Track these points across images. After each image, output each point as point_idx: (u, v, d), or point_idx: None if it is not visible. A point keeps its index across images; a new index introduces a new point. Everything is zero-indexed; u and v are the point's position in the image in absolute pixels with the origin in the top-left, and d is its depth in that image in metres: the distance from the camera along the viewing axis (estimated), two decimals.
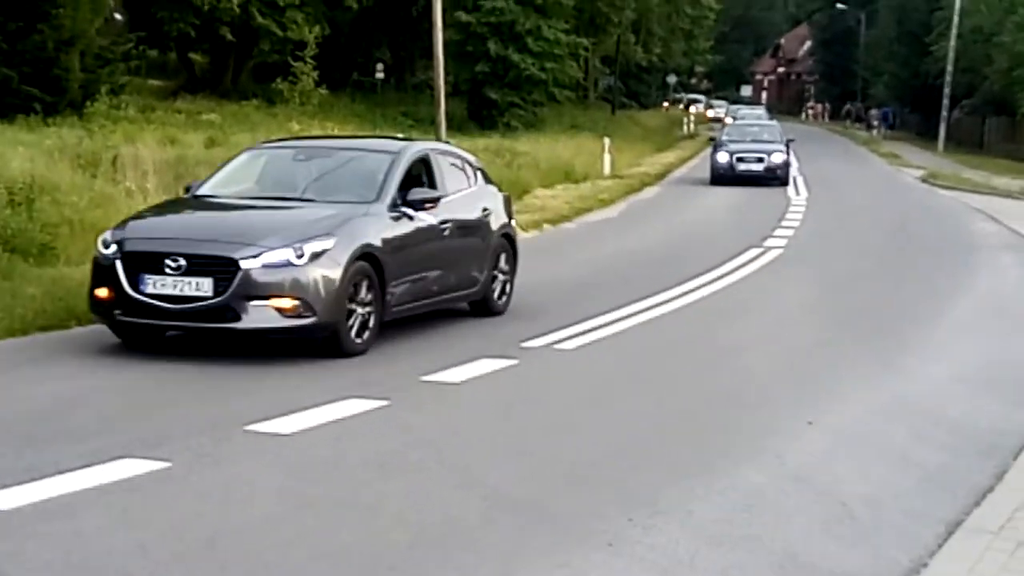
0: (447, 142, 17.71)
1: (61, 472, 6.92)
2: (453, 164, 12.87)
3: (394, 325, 11.25)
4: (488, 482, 7.15)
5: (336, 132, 25.81)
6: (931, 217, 26.51)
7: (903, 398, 9.77)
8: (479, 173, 13.31)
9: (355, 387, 9.23)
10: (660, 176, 36.35)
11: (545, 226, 22.30)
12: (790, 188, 32.65)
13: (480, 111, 45.70)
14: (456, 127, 37.87)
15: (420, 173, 11.97)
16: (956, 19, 57.14)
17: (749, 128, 38.19)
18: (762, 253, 18.81)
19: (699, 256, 18.13)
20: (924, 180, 37.58)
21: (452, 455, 7.68)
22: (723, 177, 33.37)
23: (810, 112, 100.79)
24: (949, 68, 57.98)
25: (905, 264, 18.54)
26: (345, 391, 9.05)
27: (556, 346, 11.26)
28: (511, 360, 10.49)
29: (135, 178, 18.17)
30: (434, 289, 11.81)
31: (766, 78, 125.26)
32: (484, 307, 12.82)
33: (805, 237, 21.43)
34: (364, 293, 10.53)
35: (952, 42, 57.30)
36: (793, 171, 35.65)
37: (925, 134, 66.56)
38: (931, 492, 7.30)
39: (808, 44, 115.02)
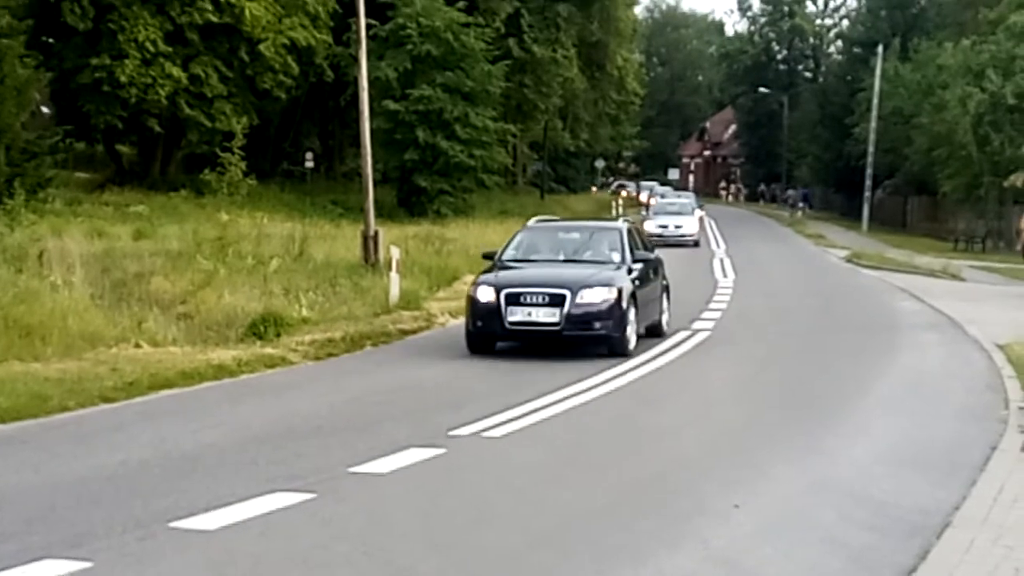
0: (376, 231, 19.47)
1: None
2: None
3: (333, 416, 11.18)
4: (415, 574, 7.10)
5: (265, 222, 25.81)
6: (856, 297, 26.86)
7: (829, 479, 9.86)
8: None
9: (281, 480, 9.17)
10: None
11: None
12: (717, 269, 33.00)
13: (410, 198, 45.93)
14: (386, 214, 38.05)
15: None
16: (876, 101, 58.41)
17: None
18: (690, 336, 18.94)
19: None
20: (849, 260, 38.13)
21: (378, 548, 7.63)
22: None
23: (723, 193, 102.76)
24: (871, 149, 59.14)
25: (830, 344, 18.75)
26: (271, 484, 8.99)
27: (484, 434, 11.26)
28: (439, 449, 10.47)
29: (61, 272, 18.02)
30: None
31: (692, 161, 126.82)
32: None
33: (732, 318, 21.62)
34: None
35: (873, 124, 58.51)
36: (720, 253, 36.33)
37: (849, 214, 67.63)
38: (857, 573, 7.36)
39: (733, 127, 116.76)
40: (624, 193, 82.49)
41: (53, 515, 8.28)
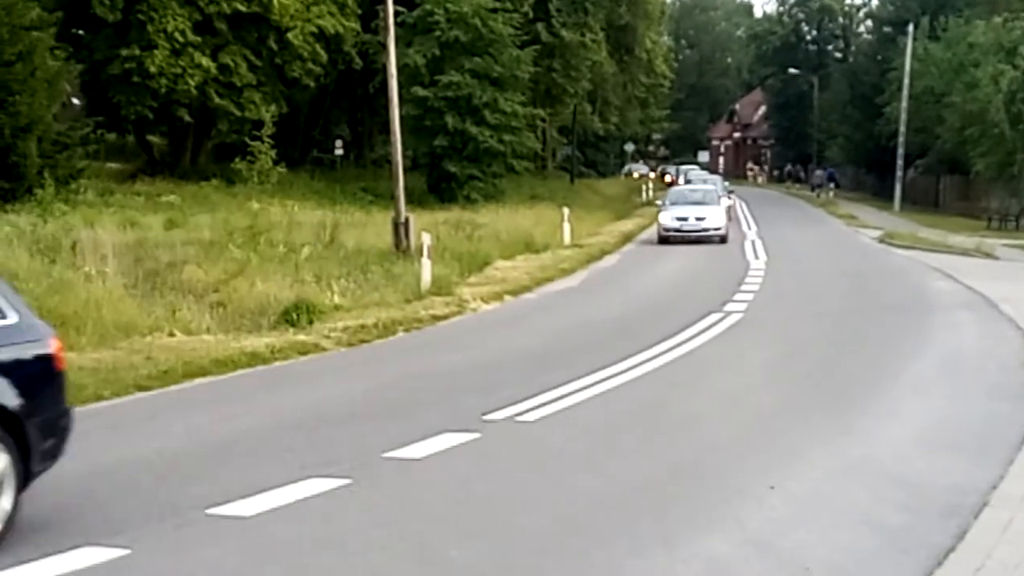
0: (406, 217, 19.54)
1: (21, 563, 6.86)
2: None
3: (366, 402, 11.22)
4: (448, 559, 7.13)
5: (296, 210, 25.89)
6: (889, 277, 26.72)
7: (864, 460, 9.82)
8: None
9: (317, 466, 9.21)
10: (620, 244, 36.54)
11: (506, 297, 22.35)
12: (749, 252, 32.90)
13: (439, 184, 45.91)
14: (416, 201, 38.03)
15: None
16: (907, 81, 57.98)
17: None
18: (722, 318, 18.89)
19: (660, 323, 18.19)
20: (881, 240, 37.91)
21: (412, 533, 7.66)
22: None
23: (749, 174, 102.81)
24: (902, 129, 58.71)
25: (863, 325, 18.67)
26: (307, 471, 9.03)
27: (518, 418, 11.27)
28: (473, 434, 10.49)
29: (94, 262, 18.12)
30: None
31: (722, 143, 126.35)
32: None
33: (765, 301, 21.55)
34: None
35: (904, 103, 58.08)
36: (752, 235, 36.22)
37: (880, 194, 67.21)
38: (893, 555, 7.33)
39: (763, 109, 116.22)
40: (652, 176, 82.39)
41: (90, 503, 8.35)
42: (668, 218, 37.02)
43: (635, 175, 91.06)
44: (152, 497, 8.48)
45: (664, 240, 36.38)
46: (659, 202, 42.65)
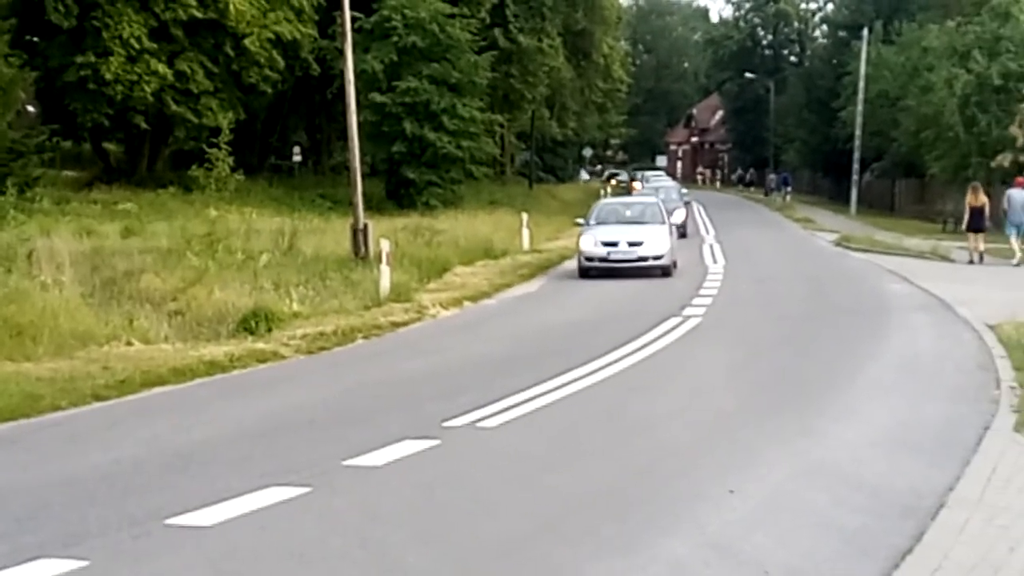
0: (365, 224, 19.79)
1: None
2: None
3: (326, 410, 11.20)
4: (409, 566, 7.12)
5: (254, 217, 25.80)
6: (846, 280, 26.89)
7: (822, 462, 9.88)
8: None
9: (276, 474, 9.17)
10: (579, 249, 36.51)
11: (466, 303, 22.35)
12: (707, 256, 33.03)
13: (398, 190, 45.89)
14: (375, 207, 38.01)
15: None
16: (862, 85, 58.42)
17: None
18: (681, 322, 18.96)
19: (619, 327, 18.24)
20: (838, 243, 38.17)
21: (373, 540, 7.64)
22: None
23: (699, 178, 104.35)
24: (857, 132, 59.16)
25: (821, 327, 18.78)
26: (266, 479, 9.00)
27: (478, 424, 11.26)
28: (433, 440, 10.48)
29: (51, 271, 18.00)
30: None
31: (680, 148, 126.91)
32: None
33: (723, 304, 21.65)
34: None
35: (859, 107, 58.54)
36: (710, 239, 36.12)
37: (837, 198, 67.65)
38: (852, 556, 7.37)
39: (720, 113, 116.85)
40: (613, 182, 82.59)
41: (47, 514, 8.28)
42: (591, 243, 27.79)
43: (579, 182, 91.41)
44: (110, 508, 8.41)
45: (585, 273, 27.54)
46: (579, 220, 30.79)
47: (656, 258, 27.37)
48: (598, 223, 28.84)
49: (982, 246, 31.23)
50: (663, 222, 28.93)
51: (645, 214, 29.63)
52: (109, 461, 9.90)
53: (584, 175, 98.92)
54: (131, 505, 8.45)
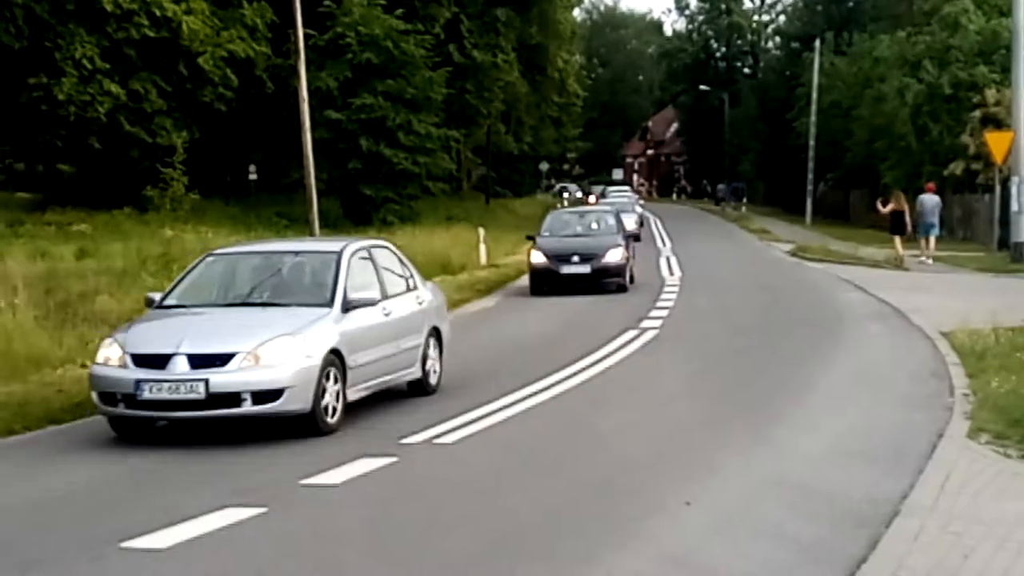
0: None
1: None
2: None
3: (273, 428, 11.18)
4: None
5: (210, 236, 25.71)
6: (802, 291, 27.04)
7: (778, 473, 9.93)
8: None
9: (232, 495, 9.13)
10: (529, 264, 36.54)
11: None
12: (663, 267, 33.15)
13: (355, 208, 45.78)
14: (332, 224, 37.93)
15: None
16: (815, 95, 58.89)
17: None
18: (639, 335, 19.01)
19: (577, 341, 18.27)
20: (793, 254, 38.37)
21: (330, 560, 7.62)
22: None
23: (640, 189, 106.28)
24: (811, 143, 59.64)
25: (777, 338, 18.87)
26: (221, 500, 8.95)
27: (435, 440, 11.25)
28: (391, 458, 10.46)
29: (4, 294, 17.85)
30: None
31: (636, 160, 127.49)
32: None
33: (680, 316, 21.73)
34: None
35: (812, 117, 59.01)
36: (666, 251, 36.26)
37: (793, 208, 68.10)
38: (807, 566, 7.41)
39: (675, 126, 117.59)
40: (566, 195, 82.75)
41: (2, 539, 8.21)
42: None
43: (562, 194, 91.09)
44: (66, 532, 8.36)
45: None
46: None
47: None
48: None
49: (902, 249, 32.90)
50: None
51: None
52: (64, 485, 9.83)
53: (567, 186, 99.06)
54: (86, 529, 8.40)
